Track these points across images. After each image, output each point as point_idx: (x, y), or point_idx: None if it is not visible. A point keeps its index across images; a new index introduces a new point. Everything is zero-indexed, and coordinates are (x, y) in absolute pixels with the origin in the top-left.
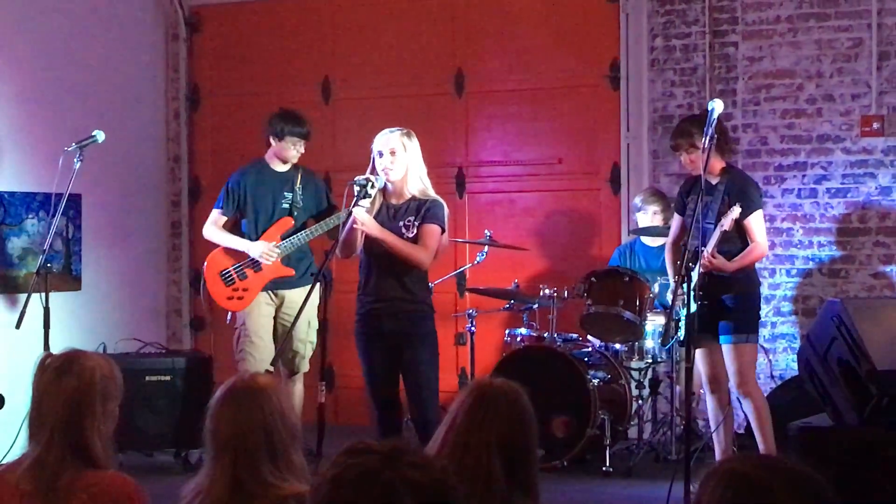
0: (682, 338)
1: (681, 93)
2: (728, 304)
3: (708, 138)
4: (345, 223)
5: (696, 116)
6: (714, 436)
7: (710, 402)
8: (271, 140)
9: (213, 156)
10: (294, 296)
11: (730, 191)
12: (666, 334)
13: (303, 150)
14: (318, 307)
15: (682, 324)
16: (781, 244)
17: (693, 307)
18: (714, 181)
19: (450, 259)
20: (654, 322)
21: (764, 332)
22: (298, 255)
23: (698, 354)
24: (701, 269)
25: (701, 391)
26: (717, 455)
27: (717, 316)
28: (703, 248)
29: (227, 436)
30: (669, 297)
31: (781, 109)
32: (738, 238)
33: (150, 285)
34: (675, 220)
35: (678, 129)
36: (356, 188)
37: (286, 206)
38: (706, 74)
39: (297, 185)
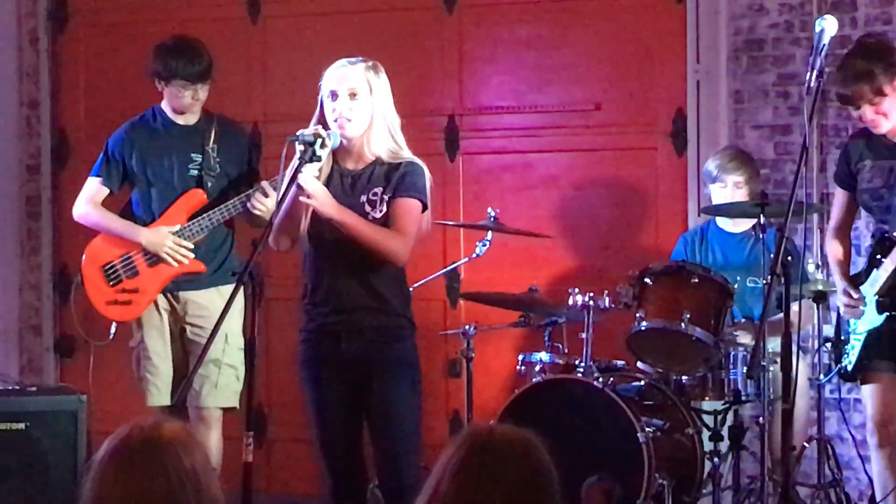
0: (849, 365)
1: (775, 6)
2: None
3: (815, 75)
4: (282, 198)
5: (875, 45)
6: None
7: (876, 460)
8: (156, 83)
9: (87, 100)
10: (201, 299)
11: None
12: (753, 360)
13: (203, 97)
14: (244, 321)
15: (850, 347)
16: None
17: (876, 320)
18: None
19: (437, 251)
20: (738, 343)
21: None
22: (211, 244)
23: (869, 390)
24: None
25: (805, 444)
26: None
27: None
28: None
29: None
30: (840, 303)
31: None
32: None
33: None
34: (838, 197)
35: (851, 68)
36: (299, 147)
37: (194, 171)
38: None
39: (211, 144)
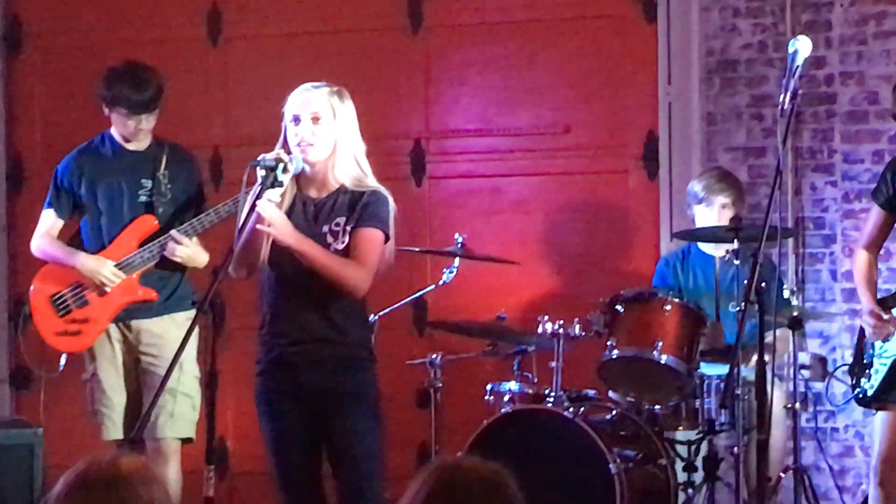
0: (870, 390)
1: (748, 26)
2: None
3: (789, 97)
4: (242, 226)
5: None
6: None
7: (874, 500)
8: (103, 107)
9: (43, 124)
10: (154, 328)
11: None
12: (727, 389)
13: (147, 126)
14: (203, 351)
15: (875, 370)
16: None
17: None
18: None
19: (402, 277)
20: (712, 371)
21: None
22: (163, 271)
23: (882, 421)
24: None
25: (781, 475)
26: None
27: None
28: None
29: None
30: (867, 324)
31: None
32: None
33: None
34: (875, 215)
35: None
36: (261, 172)
37: (144, 198)
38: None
39: (162, 170)
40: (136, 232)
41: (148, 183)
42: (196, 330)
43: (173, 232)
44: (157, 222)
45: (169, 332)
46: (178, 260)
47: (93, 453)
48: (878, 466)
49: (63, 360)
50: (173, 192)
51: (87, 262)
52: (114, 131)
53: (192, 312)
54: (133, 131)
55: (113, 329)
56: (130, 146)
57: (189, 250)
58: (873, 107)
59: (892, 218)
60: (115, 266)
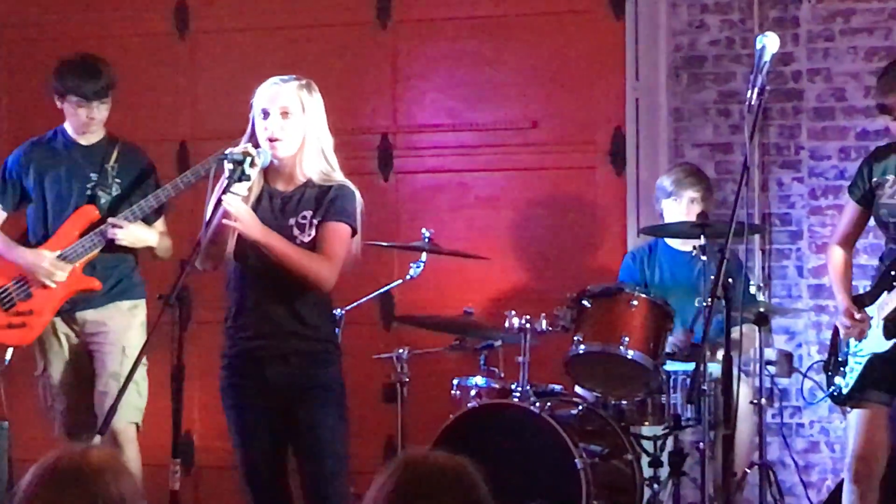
0: (845, 388)
1: (715, 22)
2: None
3: (756, 93)
4: (209, 220)
5: None
6: None
7: (847, 495)
8: (55, 100)
9: (9, 118)
10: (98, 317)
11: None
12: (693, 384)
13: (99, 116)
14: (173, 347)
15: (850, 368)
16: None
17: (882, 344)
18: None
19: (369, 272)
20: (679, 366)
21: None
22: (107, 263)
23: (856, 419)
24: None
25: (747, 470)
26: None
27: None
28: None
29: None
30: (841, 323)
31: (867, 47)
32: None
33: None
34: (850, 210)
35: (893, 78)
36: (228, 166)
37: (90, 191)
38: None
39: (111, 163)
40: (77, 222)
41: (95, 177)
42: (144, 319)
43: (111, 219)
44: (98, 213)
45: (113, 319)
46: (125, 244)
47: (62, 445)
48: (852, 463)
49: (9, 355)
50: (121, 185)
51: (26, 257)
52: (67, 126)
53: (138, 301)
54: (85, 121)
55: (59, 322)
56: (82, 140)
57: (131, 233)
58: (840, 103)
59: (867, 213)
60: (58, 258)
